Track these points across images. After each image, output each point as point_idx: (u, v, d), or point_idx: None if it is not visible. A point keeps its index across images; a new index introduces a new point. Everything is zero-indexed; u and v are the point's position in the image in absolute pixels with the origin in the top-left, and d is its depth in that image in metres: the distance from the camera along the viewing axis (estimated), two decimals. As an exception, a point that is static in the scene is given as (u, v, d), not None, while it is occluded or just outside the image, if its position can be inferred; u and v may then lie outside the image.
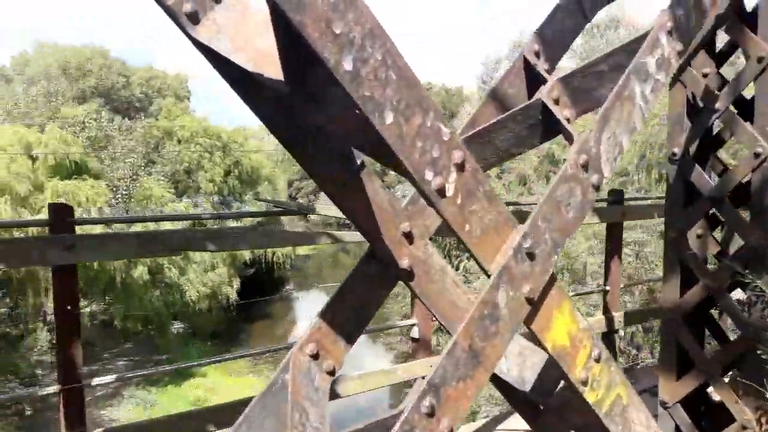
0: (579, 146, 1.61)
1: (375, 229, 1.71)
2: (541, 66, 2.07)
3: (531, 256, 1.48)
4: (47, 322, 18.71)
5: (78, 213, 19.75)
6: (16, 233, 14.12)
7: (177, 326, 26.74)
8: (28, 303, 18.36)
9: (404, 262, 1.75)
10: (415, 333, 4.60)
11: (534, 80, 2.10)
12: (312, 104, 1.35)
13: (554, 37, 2.11)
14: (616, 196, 6.20)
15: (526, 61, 2.09)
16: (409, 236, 1.76)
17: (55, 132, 21.72)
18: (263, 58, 1.19)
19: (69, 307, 3.10)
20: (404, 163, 1.26)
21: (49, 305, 18.60)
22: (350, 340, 1.78)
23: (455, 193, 1.36)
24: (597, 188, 1.63)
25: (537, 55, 2.09)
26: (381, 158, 1.46)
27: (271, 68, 1.19)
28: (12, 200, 18.52)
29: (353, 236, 4.01)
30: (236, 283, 28.06)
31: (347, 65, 1.11)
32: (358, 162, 1.67)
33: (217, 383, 22.47)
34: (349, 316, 1.78)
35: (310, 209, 3.60)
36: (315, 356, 1.70)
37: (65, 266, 2.94)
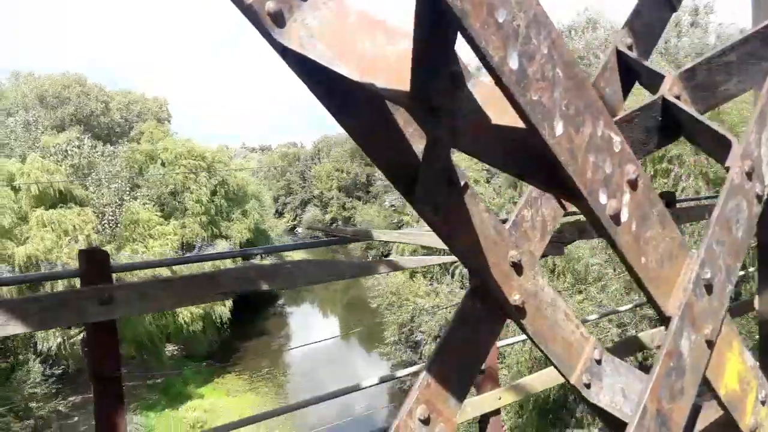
0: (743, 150, 1.37)
1: (481, 261, 1.47)
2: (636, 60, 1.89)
3: (709, 288, 1.28)
4: (38, 353, 18.51)
5: (65, 242, 19.71)
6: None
7: (171, 348, 26.56)
8: (17, 335, 18.14)
9: (514, 298, 1.50)
10: None
11: (629, 76, 1.92)
12: (434, 117, 1.12)
13: (644, 29, 1.96)
14: (667, 199, 5.28)
15: (619, 56, 1.91)
16: (517, 267, 1.52)
17: (37, 161, 21.59)
18: (371, 65, 1.02)
19: (110, 371, 2.59)
20: (575, 183, 1.05)
21: (40, 336, 18.44)
22: (461, 396, 1.54)
23: (630, 217, 1.15)
24: (760, 199, 1.40)
25: (630, 48, 1.92)
26: (530, 177, 1.24)
27: (385, 76, 1.02)
28: (-4, 233, 18.39)
29: (417, 261, 3.81)
30: (228, 301, 27.90)
31: (512, 63, 0.92)
32: (462, 183, 1.43)
33: (216, 404, 22.34)
34: (458, 367, 1.56)
35: (367, 234, 3.23)
36: (426, 421, 1.45)
37: (103, 323, 2.48)
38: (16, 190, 20.38)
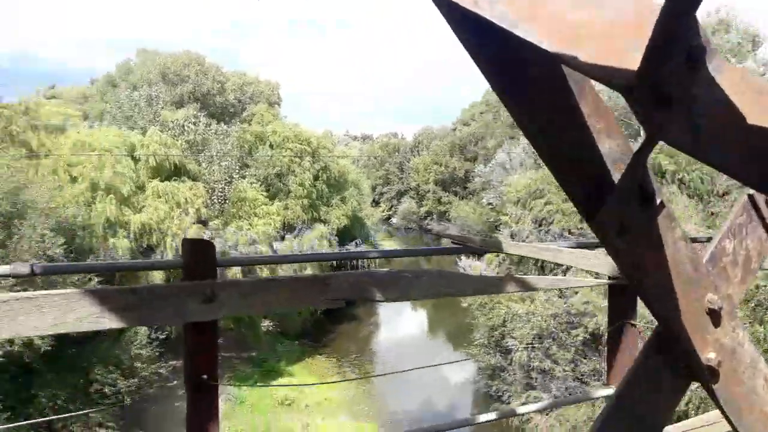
0: None
1: (669, 304, 1.17)
2: None
3: None
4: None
5: (176, 213, 20.70)
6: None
7: (266, 324, 27.38)
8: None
9: (708, 356, 1.20)
10: None
11: None
12: (664, 108, 0.85)
13: None
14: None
15: None
16: (715, 315, 1.21)
17: (156, 135, 22.75)
18: (571, 32, 0.78)
19: (205, 377, 2.29)
20: None
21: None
22: None
23: None
24: None
25: None
26: None
27: (592, 48, 0.77)
28: (116, 199, 19.51)
29: (553, 282, 3.40)
30: (322, 285, 28.33)
31: None
32: (658, 200, 1.13)
33: (303, 383, 22.70)
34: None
35: (496, 245, 2.86)
36: None
37: (203, 323, 2.18)
38: (136, 160, 21.61)
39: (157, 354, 18.49)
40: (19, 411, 14.47)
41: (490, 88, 1.06)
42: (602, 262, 2.82)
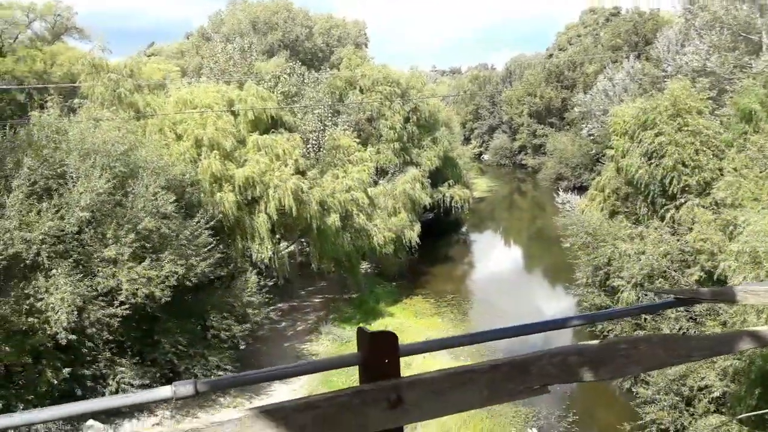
0: None
1: None
2: None
3: None
4: (254, 264, 20.61)
5: (276, 165, 21.31)
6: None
7: (365, 267, 28.16)
8: (237, 247, 20.27)
9: None
10: None
11: None
12: None
13: None
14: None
15: None
16: None
17: (252, 88, 23.21)
18: None
19: None
20: None
21: (255, 247, 20.47)
22: None
23: None
24: None
25: None
26: None
27: None
28: (220, 155, 20.30)
29: None
30: (417, 227, 28.59)
31: None
32: None
33: (404, 323, 23.29)
34: None
35: (729, 295, 2.28)
36: None
37: None
38: (235, 115, 22.25)
39: (266, 300, 19.50)
40: (146, 355, 15.89)
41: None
42: None
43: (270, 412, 1.44)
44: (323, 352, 20.79)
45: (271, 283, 20.35)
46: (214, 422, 1.35)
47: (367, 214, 24.30)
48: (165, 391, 1.44)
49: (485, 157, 75.54)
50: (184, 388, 1.46)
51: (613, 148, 21.25)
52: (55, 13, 35.49)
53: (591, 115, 38.49)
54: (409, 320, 24.14)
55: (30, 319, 12.89)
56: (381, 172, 29.63)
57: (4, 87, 29.37)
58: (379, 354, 1.74)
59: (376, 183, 27.76)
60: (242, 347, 17.90)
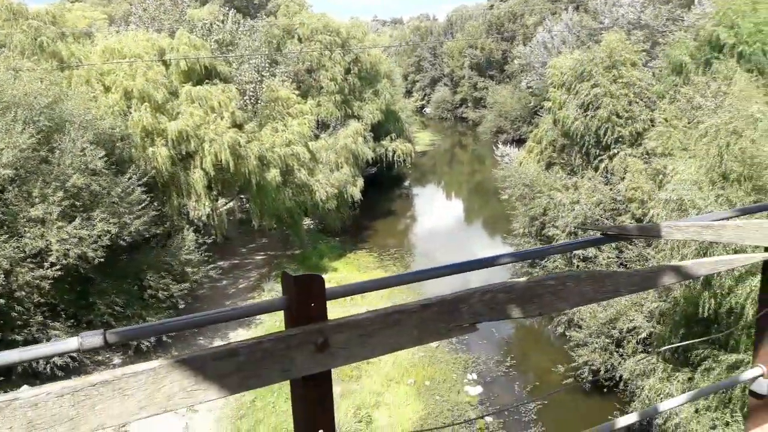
0: None
1: None
2: None
3: None
4: (191, 221, 20.07)
5: (211, 119, 20.55)
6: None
7: (307, 222, 27.94)
8: (172, 205, 19.65)
9: None
10: (760, 387, 3.09)
11: None
12: None
13: None
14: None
15: None
16: None
17: (185, 36, 22.07)
18: None
19: None
20: None
21: (192, 204, 19.90)
22: None
23: None
24: None
25: None
26: None
27: None
28: (151, 107, 19.37)
29: (714, 265, 2.50)
30: (359, 182, 28.48)
31: None
32: None
33: (348, 278, 23.41)
34: None
35: (655, 230, 2.18)
36: None
37: (315, 376, 1.69)
38: (167, 65, 21.15)
39: (205, 259, 19.13)
40: (81, 318, 15.40)
41: None
42: (762, 236, 2.38)
43: (187, 361, 1.38)
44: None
45: (209, 241, 19.93)
46: (126, 374, 1.28)
47: (309, 168, 23.93)
48: (72, 343, 1.35)
49: (427, 110, 75.43)
50: (92, 338, 1.36)
51: (550, 101, 21.53)
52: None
53: (530, 67, 38.75)
54: (352, 274, 24.24)
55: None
56: (322, 126, 29.10)
57: None
58: (305, 297, 1.67)
59: (317, 137, 27.26)
60: (181, 307, 17.56)
